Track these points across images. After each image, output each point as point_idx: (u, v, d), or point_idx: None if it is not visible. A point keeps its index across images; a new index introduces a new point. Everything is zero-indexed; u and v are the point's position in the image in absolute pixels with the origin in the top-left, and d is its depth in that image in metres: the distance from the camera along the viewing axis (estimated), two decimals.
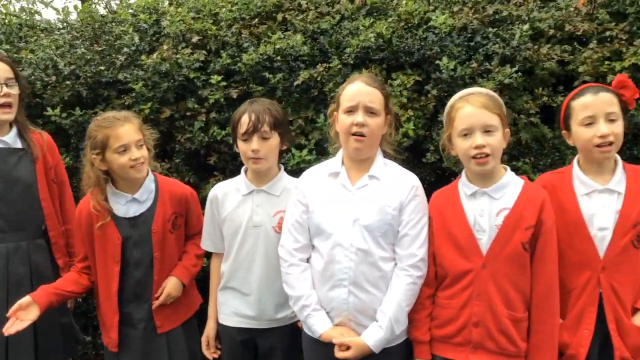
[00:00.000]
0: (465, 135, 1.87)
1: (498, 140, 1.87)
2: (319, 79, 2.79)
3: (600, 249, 1.91)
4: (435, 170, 2.78)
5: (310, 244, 1.99)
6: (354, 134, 1.91)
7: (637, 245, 1.90)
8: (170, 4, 3.61)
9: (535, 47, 2.64)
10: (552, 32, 2.74)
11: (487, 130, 1.85)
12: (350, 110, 1.92)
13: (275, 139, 2.11)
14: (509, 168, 1.99)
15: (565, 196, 1.97)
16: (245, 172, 2.20)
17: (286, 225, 2.01)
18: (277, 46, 2.82)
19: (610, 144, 1.89)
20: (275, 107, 2.15)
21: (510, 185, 1.91)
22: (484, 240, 1.86)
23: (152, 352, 2.17)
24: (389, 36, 2.76)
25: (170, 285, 2.19)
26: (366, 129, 1.90)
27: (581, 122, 1.92)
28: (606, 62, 2.57)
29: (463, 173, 1.99)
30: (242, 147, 2.11)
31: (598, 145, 1.89)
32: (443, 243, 1.92)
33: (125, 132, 2.08)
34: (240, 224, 2.13)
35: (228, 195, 2.18)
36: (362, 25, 2.80)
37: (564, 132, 2.05)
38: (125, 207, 2.18)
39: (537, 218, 1.86)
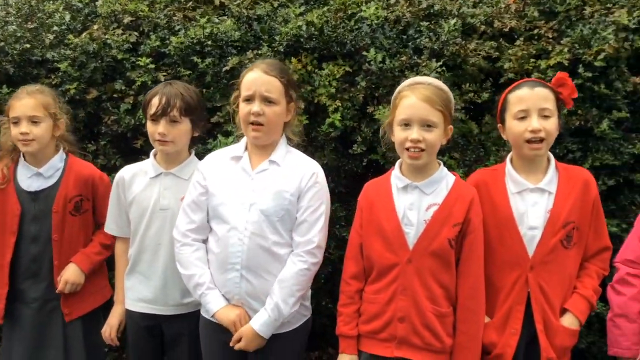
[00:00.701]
0: (404, 125, 1.85)
1: (436, 136, 1.85)
2: (248, 66, 2.74)
3: (530, 248, 1.90)
4: (362, 161, 2.77)
5: (207, 226, 1.97)
6: (251, 123, 1.89)
7: (567, 246, 1.91)
8: None
9: (463, 42, 2.64)
10: (483, 28, 2.75)
11: (426, 125, 1.82)
12: (248, 99, 1.91)
13: (185, 125, 2.07)
14: (442, 164, 1.97)
15: (498, 194, 1.96)
16: (155, 155, 2.15)
17: (183, 205, 1.98)
18: (207, 30, 2.77)
19: (541, 140, 1.88)
20: (189, 93, 2.11)
21: (442, 181, 1.90)
22: (412, 235, 1.85)
23: (47, 336, 2.13)
24: (320, 25, 2.73)
25: (69, 273, 2.16)
26: (263, 118, 1.88)
27: (515, 116, 1.91)
28: (532, 60, 2.59)
29: (397, 165, 1.97)
30: (150, 128, 2.08)
31: (528, 141, 1.88)
32: (371, 235, 1.90)
33: (20, 105, 2.07)
34: (147, 207, 2.10)
35: (136, 177, 2.14)
36: (293, 13, 2.77)
37: (499, 125, 2.04)
38: (29, 180, 2.19)
39: (465, 216, 1.85)
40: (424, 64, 2.62)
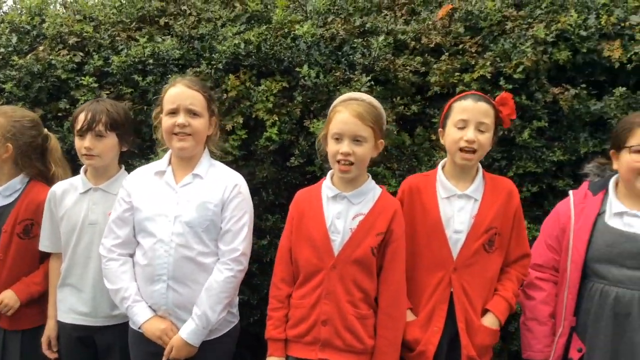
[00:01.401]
0: (336, 139, 1.94)
1: (365, 150, 1.94)
2: None
3: (454, 251, 2.00)
4: (301, 174, 2.86)
5: (134, 240, 2.04)
6: (175, 134, 1.97)
7: (488, 250, 2.01)
8: (64, 6, 3.62)
9: (392, 58, 2.76)
10: (413, 44, 2.88)
11: (356, 140, 1.92)
12: (173, 112, 1.99)
13: (111, 139, 2.15)
14: (370, 176, 2.07)
15: (428, 198, 2.06)
16: (85, 171, 2.23)
17: (109, 221, 2.06)
18: (148, 50, 2.87)
19: (474, 151, 1.98)
20: (116, 109, 2.19)
21: (370, 193, 2.00)
22: (337, 242, 1.93)
23: None
24: (258, 43, 2.84)
25: (6, 295, 2.23)
26: (189, 129, 1.97)
27: (455, 124, 2.01)
28: (457, 74, 2.71)
29: (328, 175, 2.06)
30: (77, 143, 2.17)
31: (462, 149, 1.98)
32: (300, 241, 1.98)
33: None
34: (76, 222, 2.17)
35: (66, 193, 2.21)
36: (230, 32, 2.87)
37: (440, 130, 2.13)
38: None
39: (388, 226, 1.95)
40: (356, 79, 2.74)
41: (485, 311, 2.01)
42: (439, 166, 2.13)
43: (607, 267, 1.87)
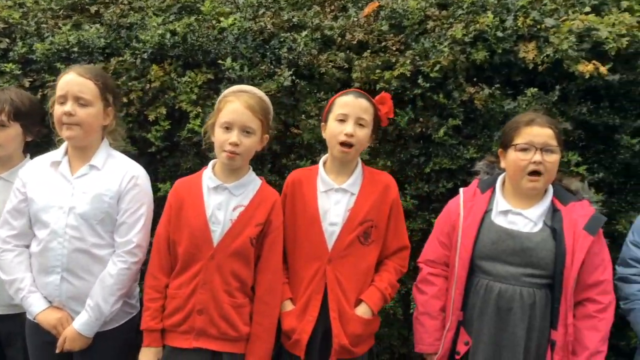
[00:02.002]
0: (226, 128, 1.96)
1: (252, 142, 1.98)
2: (112, 72, 2.83)
3: (329, 243, 2.05)
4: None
5: (30, 231, 2.04)
6: (64, 123, 1.96)
7: (364, 242, 2.06)
8: None
9: (316, 53, 2.79)
10: (339, 40, 2.90)
11: (245, 131, 1.95)
12: (62, 101, 1.98)
13: (14, 129, 2.15)
14: (251, 168, 2.11)
15: (309, 192, 2.11)
16: None
17: (4, 212, 2.05)
18: (72, 37, 2.85)
19: (351, 145, 2.03)
20: (20, 98, 2.18)
21: (251, 185, 2.04)
22: (217, 233, 1.96)
23: None
24: (184, 34, 2.84)
25: None
26: (76, 118, 1.96)
27: (336, 117, 2.06)
28: (378, 71, 2.75)
29: (210, 165, 2.08)
30: None
31: (341, 143, 2.03)
32: (179, 230, 2.00)
33: None
34: None
35: None
36: (155, 22, 2.87)
37: (322, 124, 2.18)
38: None
39: (267, 217, 2.00)
40: (280, 73, 2.76)
41: (360, 301, 2.07)
42: (321, 161, 2.18)
43: (492, 264, 1.94)
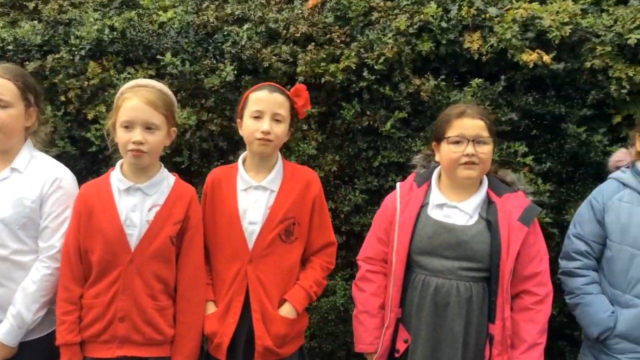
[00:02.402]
0: (126, 127, 1.87)
1: (158, 138, 1.89)
2: (49, 70, 2.74)
3: (250, 242, 1.98)
4: (171, 164, 2.80)
5: None
6: None
7: (286, 240, 2.00)
8: None
9: (259, 46, 2.72)
10: (284, 32, 2.84)
11: (148, 127, 1.86)
12: None
13: None
14: (162, 165, 2.02)
15: (228, 191, 2.04)
16: None
17: None
18: (6, 35, 2.74)
19: (269, 141, 1.97)
20: None
21: (164, 182, 1.96)
22: (135, 236, 1.88)
23: None
24: (122, 29, 2.75)
25: None
26: None
27: (251, 114, 1.99)
28: (322, 64, 2.69)
29: (117, 166, 1.99)
30: None
31: (258, 139, 1.97)
32: (90, 238, 1.89)
33: None
34: None
35: None
36: (92, 18, 2.77)
37: (238, 121, 2.10)
38: None
39: (185, 214, 1.93)
40: (221, 68, 2.69)
41: (283, 301, 2.02)
42: (240, 158, 2.11)
43: (429, 259, 1.89)
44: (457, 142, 1.86)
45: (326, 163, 2.78)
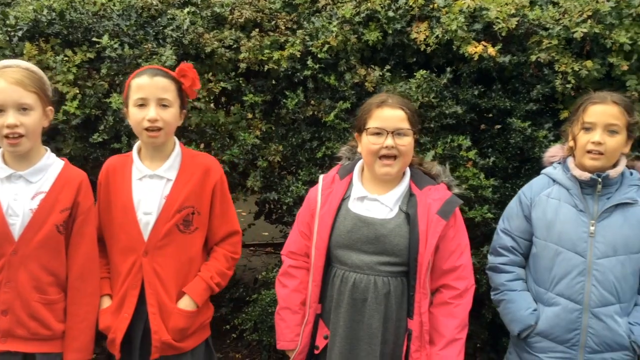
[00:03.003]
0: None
1: (33, 119, 1.78)
2: None
3: (145, 233, 1.91)
4: (108, 150, 2.72)
5: None
6: None
7: (184, 230, 1.93)
8: None
9: (202, 31, 2.65)
10: (230, 17, 2.76)
11: (21, 109, 1.75)
12: None
13: None
14: (49, 150, 1.93)
15: (123, 180, 1.96)
16: None
17: None
18: None
19: (159, 129, 1.87)
20: None
21: (49, 169, 1.86)
22: (17, 226, 1.78)
23: None
24: (61, 10, 2.66)
25: None
26: None
27: (135, 103, 1.88)
28: (266, 51, 2.62)
29: None
30: None
31: (147, 129, 1.88)
32: None
33: None
34: None
35: None
36: None
37: (124, 109, 1.99)
38: None
39: (74, 200, 1.85)
40: (162, 52, 2.61)
41: (182, 294, 1.95)
42: (135, 146, 2.03)
43: (348, 253, 1.83)
44: (377, 134, 1.80)
45: (270, 153, 2.71)
